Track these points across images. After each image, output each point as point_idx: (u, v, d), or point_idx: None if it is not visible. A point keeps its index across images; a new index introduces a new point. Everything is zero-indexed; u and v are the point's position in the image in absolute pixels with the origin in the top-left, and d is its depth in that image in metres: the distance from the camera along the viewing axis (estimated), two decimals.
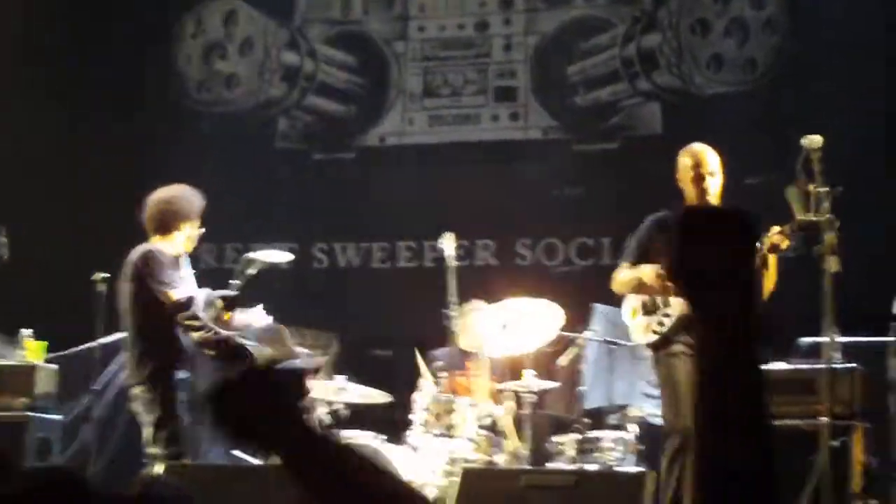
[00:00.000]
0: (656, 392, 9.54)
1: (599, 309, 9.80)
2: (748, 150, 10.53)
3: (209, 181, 11.09)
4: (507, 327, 8.57)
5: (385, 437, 8.42)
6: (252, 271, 8.32)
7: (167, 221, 7.80)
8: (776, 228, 6.51)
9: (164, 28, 12.49)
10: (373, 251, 11.65)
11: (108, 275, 8.67)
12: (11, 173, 11.38)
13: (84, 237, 11.06)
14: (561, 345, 8.96)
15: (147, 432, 7.56)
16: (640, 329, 7.09)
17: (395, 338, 10.44)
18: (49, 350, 9.54)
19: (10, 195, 10.75)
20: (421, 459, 8.23)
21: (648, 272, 6.97)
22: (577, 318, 9.43)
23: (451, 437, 7.93)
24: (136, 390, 7.62)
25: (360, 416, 9.01)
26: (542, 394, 8.97)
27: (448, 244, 8.07)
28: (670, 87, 11.50)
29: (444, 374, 8.59)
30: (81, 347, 9.52)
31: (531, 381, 8.54)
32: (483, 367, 9.20)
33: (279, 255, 8.78)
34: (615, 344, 8.86)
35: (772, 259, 6.60)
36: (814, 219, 6.34)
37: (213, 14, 12.60)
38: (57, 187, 11.65)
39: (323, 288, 11.50)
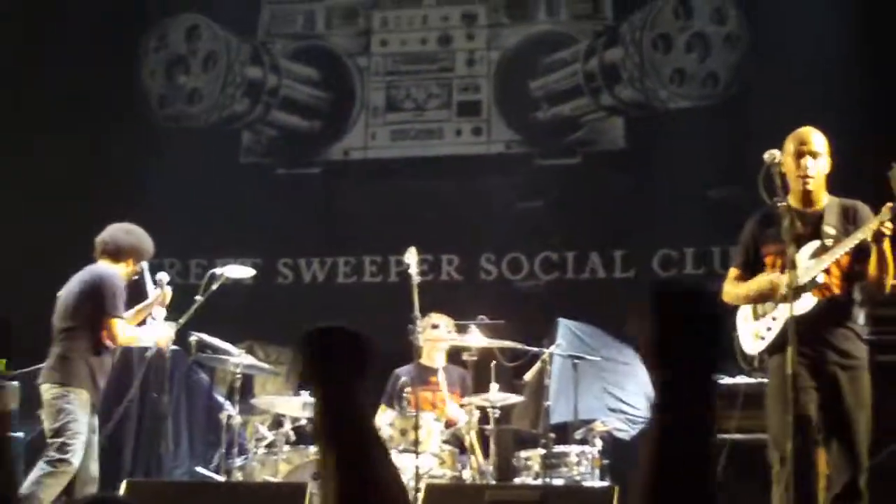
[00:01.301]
0: (621, 406, 9.56)
1: (564, 323, 9.80)
2: (711, 164, 10.57)
3: (173, 196, 11.13)
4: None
5: None
6: (215, 287, 8.30)
7: (123, 250, 7.98)
8: (877, 216, 6.16)
9: (126, 42, 12.39)
10: (338, 266, 11.60)
11: None
12: None
13: (42, 254, 10.96)
14: (526, 359, 8.93)
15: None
16: (750, 337, 6.68)
17: None
18: (9, 367, 9.45)
19: None
20: None
21: (764, 282, 6.43)
22: (542, 333, 9.44)
23: (416, 452, 7.88)
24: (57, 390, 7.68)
25: None
26: (507, 409, 8.95)
27: (412, 259, 8.02)
28: (633, 102, 11.51)
29: (409, 389, 8.55)
30: (42, 365, 9.44)
31: (496, 396, 8.52)
32: (456, 380, 9.22)
33: (243, 271, 8.77)
34: (580, 358, 8.85)
35: (886, 246, 6.21)
36: None
37: (176, 28, 12.54)
38: (15, 205, 11.54)
39: (288, 303, 11.42)
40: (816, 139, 6.58)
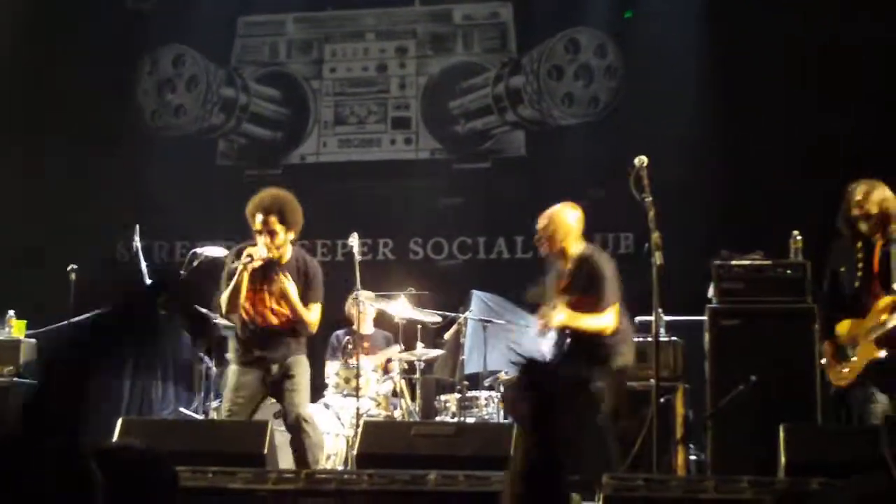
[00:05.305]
0: (521, 360, 9.58)
1: (476, 294, 9.82)
2: (592, 168, 10.61)
3: (162, 192, 11.04)
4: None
5: None
6: (196, 264, 8.22)
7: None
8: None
9: (125, 66, 12.27)
10: None
11: (76, 266, 8.55)
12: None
13: (57, 235, 10.86)
14: (446, 322, 8.95)
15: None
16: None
17: None
18: (29, 327, 9.35)
19: None
20: (332, 414, 8.19)
21: None
22: (459, 301, 9.45)
23: (357, 396, 7.88)
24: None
25: None
26: (430, 361, 8.96)
27: (355, 242, 7.98)
28: (532, 119, 11.53)
29: (351, 346, 8.54)
30: (56, 325, 9.36)
31: (421, 351, 8.53)
32: (382, 341, 9.20)
33: (218, 251, 8.68)
34: (489, 322, 8.87)
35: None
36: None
37: (165, 56, 12.41)
38: (33, 195, 11.40)
39: None
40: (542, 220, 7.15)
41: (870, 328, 6.31)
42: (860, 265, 6.47)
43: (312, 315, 6.89)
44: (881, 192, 6.43)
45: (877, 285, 6.38)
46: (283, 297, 6.85)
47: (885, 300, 6.29)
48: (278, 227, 6.79)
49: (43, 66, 11.80)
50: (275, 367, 6.87)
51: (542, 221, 7.14)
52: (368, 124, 11.93)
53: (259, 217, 6.80)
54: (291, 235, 6.93)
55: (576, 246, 7.11)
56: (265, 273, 6.86)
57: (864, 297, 6.42)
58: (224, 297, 6.80)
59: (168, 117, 12.34)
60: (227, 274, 6.85)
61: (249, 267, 6.71)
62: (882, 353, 6.27)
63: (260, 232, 6.78)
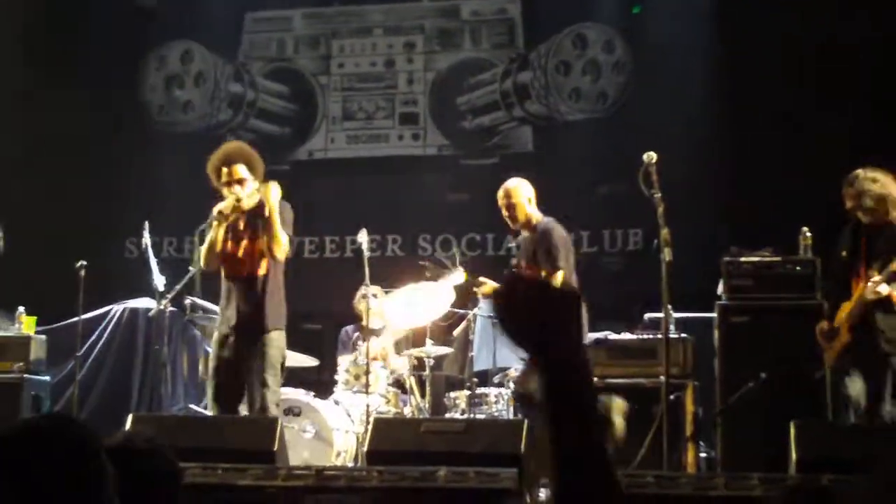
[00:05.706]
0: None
1: None
2: (600, 164, 10.62)
3: (169, 188, 11.05)
4: (410, 304, 8.54)
5: (313, 394, 8.38)
6: None
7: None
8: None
9: (132, 62, 12.27)
10: (304, 244, 11.50)
11: (86, 262, 8.56)
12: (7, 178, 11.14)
13: (66, 232, 10.86)
14: (455, 319, 8.95)
15: None
16: None
17: (321, 314, 10.40)
18: (38, 324, 9.38)
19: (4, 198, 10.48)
20: (343, 411, 8.20)
21: None
22: (468, 297, 9.44)
23: (366, 393, 7.88)
24: None
25: (292, 377, 8.93)
26: (439, 358, 8.96)
27: (363, 238, 7.99)
28: (539, 115, 11.53)
29: (361, 343, 8.55)
30: (66, 322, 9.39)
31: (431, 348, 8.53)
32: (392, 338, 9.20)
33: None
34: (498, 318, 8.85)
35: None
36: None
37: (173, 52, 12.41)
38: (45, 191, 11.40)
39: None
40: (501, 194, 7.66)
41: (848, 313, 6.52)
42: (853, 250, 6.66)
43: (281, 235, 6.88)
44: (877, 183, 6.54)
45: (863, 271, 6.57)
46: (264, 209, 6.84)
47: (862, 287, 6.49)
48: (246, 174, 6.89)
49: (48, 59, 11.80)
50: (252, 339, 6.83)
51: (501, 200, 7.54)
52: (376, 120, 11.93)
53: (225, 169, 6.92)
54: (256, 183, 7.00)
55: (536, 215, 7.56)
56: (236, 221, 6.95)
57: (855, 281, 6.62)
58: (202, 252, 6.97)
59: (176, 113, 12.35)
60: (206, 231, 7.00)
61: (224, 222, 6.84)
62: (849, 338, 6.56)
63: (229, 184, 6.88)
